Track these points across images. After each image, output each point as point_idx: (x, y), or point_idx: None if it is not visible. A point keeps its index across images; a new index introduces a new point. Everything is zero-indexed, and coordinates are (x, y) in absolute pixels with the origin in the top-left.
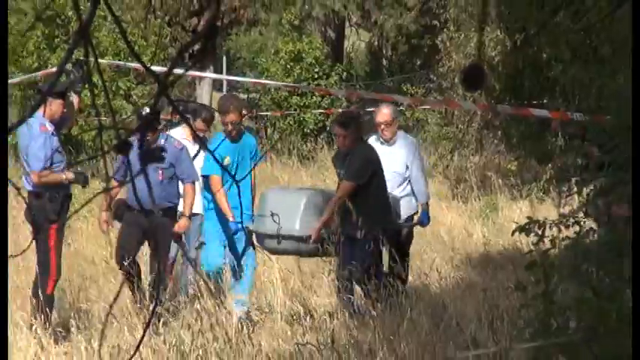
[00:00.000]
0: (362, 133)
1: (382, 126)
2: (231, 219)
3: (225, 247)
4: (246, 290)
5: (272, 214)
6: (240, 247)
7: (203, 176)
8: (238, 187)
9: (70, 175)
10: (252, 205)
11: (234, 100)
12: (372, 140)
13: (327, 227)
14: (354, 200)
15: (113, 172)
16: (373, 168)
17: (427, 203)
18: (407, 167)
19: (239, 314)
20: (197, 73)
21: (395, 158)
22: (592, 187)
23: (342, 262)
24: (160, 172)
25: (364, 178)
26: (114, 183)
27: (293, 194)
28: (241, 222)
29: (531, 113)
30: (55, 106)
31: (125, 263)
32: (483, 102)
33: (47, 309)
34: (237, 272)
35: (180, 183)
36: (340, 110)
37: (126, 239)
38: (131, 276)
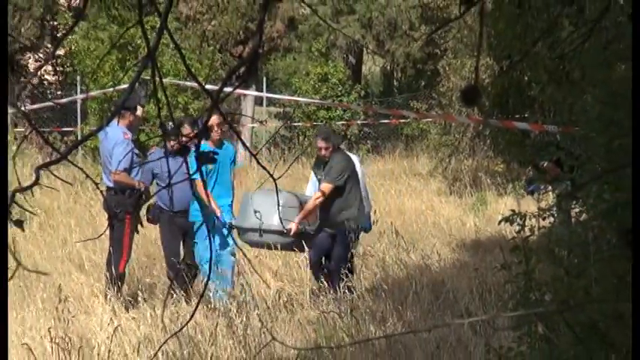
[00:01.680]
0: (338, 144)
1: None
2: (217, 213)
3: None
4: (228, 280)
5: (255, 212)
6: (223, 241)
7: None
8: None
9: (142, 185)
10: (232, 204)
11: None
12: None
13: (304, 222)
14: (332, 199)
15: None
16: (349, 172)
17: (369, 212)
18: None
19: (219, 302)
20: (242, 91)
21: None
22: (564, 186)
23: (316, 252)
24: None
25: (341, 180)
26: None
27: (273, 195)
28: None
29: (514, 125)
30: (131, 117)
31: (177, 267)
32: (476, 116)
33: (119, 283)
34: (218, 264)
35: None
36: (322, 124)
37: (171, 243)
38: (184, 277)
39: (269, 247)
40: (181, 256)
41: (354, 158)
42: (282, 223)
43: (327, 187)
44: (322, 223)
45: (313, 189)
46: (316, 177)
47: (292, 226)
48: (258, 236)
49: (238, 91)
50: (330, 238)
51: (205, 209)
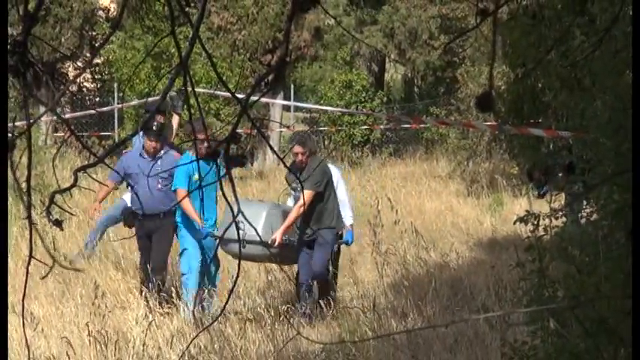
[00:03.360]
0: (315, 150)
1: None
2: (199, 223)
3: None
4: (213, 287)
5: (237, 222)
6: (209, 251)
7: (172, 191)
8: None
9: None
10: (216, 216)
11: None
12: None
13: (287, 233)
14: (312, 207)
15: (109, 173)
16: (327, 178)
17: (352, 225)
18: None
19: (200, 311)
20: (270, 100)
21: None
22: (576, 187)
23: (302, 267)
24: (160, 180)
25: (321, 186)
26: (109, 183)
27: (256, 206)
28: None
29: (529, 131)
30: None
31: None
32: (492, 122)
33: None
34: (204, 273)
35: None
36: (298, 130)
37: (144, 251)
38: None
39: (252, 259)
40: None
41: (335, 170)
42: (264, 233)
43: (308, 194)
44: (302, 232)
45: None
46: (289, 186)
47: (277, 237)
48: (242, 247)
49: (265, 99)
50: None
51: (188, 219)
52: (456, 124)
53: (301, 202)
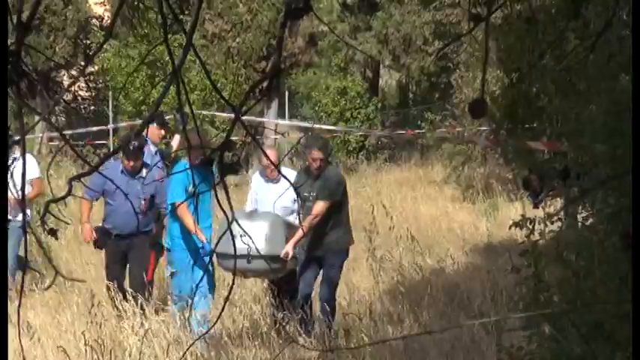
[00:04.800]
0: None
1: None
2: (203, 239)
3: (192, 271)
4: (207, 309)
5: (241, 235)
6: (204, 268)
7: (170, 204)
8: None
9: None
10: (212, 231)
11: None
12: (256, 177)
13: (297, 245)
14: (326, 219)
15: (85, 188)
16: (342, 187)
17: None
18: (294, 201)
19: (199, 333)
20: (264, 118)
21: (279, 194)
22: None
23: (303, 280)
24: (143, 202)
25: (338, 196)
26: (86, 197)
27: (258, 217)
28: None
29: (529, 146)
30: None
31: (113, 287)
32: (486, 127)
33: (150, 288)
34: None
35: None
36: (309, 134)
37: (112, 270)
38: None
39: (256, 275)
40: (124, 280)
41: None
42: (270, 246)
43: (323, 205)
44: (312, 246)
45: (254, 205)
46: (302, 194)
47: (289, 251)
48: (245, 263)
49: (260, 119)
50: (317, 267)
51: (187, 236)
52: (457, 141)
53: (315, 212)
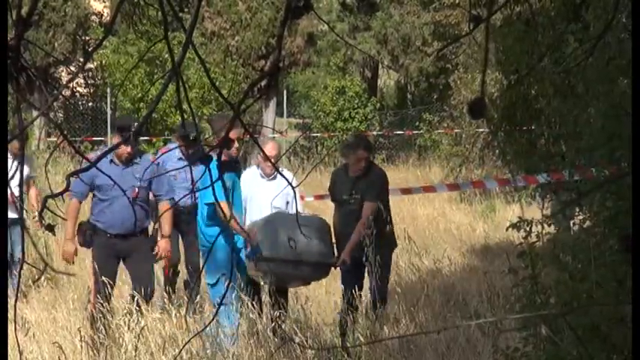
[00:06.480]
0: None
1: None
2: (252, 240)
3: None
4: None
5: (289, 239)
6: (241, 272)
7: (207, 204)
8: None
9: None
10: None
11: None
12: (252, 171)
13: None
14: (376, 221)
15: (73, 187)
16: (387, 186)
17: None
18: (287, 203)
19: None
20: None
21: (274, 193)
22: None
23: (354, 285)
24: (136, 190)
25: (384, 196)
26: (73, 202)
27: (303, 220)
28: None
29: (536, 180)
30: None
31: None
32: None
33: (171, 283)
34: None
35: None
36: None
37: (104, 270)
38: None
39: (304, 281)
40: (115, 284)
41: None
42: (322, 252)
43: (372, 207)
44: (358, 250)
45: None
46: (339, 196)
47: (347, 258)
48: (291, 269)
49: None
50: (361, 272)
51: (229, 236)
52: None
53: (365, 214)
